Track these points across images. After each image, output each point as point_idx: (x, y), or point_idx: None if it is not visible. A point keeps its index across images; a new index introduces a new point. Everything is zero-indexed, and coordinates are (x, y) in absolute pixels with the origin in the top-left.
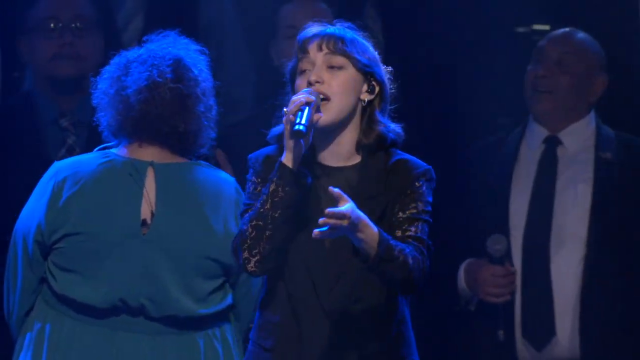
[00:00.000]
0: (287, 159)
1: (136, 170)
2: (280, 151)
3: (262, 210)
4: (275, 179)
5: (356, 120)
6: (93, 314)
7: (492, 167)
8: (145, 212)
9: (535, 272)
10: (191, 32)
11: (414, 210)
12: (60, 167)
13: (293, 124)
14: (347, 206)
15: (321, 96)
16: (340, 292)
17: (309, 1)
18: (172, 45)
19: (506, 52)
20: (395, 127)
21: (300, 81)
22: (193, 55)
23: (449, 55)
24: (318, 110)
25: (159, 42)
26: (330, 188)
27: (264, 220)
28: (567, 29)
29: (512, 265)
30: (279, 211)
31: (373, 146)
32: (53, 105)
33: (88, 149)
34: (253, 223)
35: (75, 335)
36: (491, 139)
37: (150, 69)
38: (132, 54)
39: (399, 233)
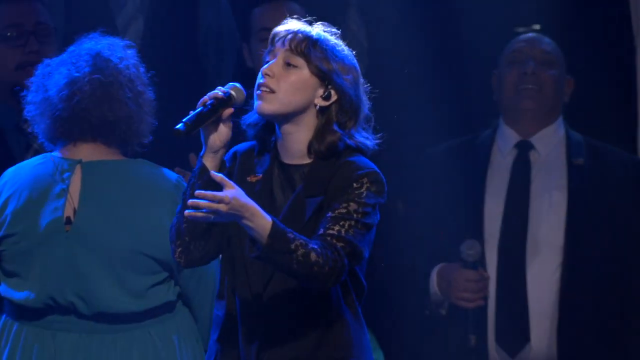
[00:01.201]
0: (203, 153)
1: (62, 169)
2: (253, 147)
3: (183, 202)
4: (194, 170)
5: (309, 123)
6: (31, 315)
7: (463, 170)
8: (69, 210)
9: (511, 278)
10: (191, 34)
11: (344, 210)
12: (5, 173)
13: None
14: (229, 191)
15: (266, 89)
16: (273, 288)
17: (282, 3)
18: (93, 44)
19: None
20: (361, 140)
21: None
22: (113, 47)
23: (432, 61)
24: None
25: (80, 43)
26: (212, 172)
27: (183, 213)
28: (532, 34)
29: (485, 270)
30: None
31: (324, 152)
32: (12, 112)
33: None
34: (178, 216)
35: (20, 338)
36: (457, 140)
37: (68, 67)
38: (54, 60)
39: (320, 231)
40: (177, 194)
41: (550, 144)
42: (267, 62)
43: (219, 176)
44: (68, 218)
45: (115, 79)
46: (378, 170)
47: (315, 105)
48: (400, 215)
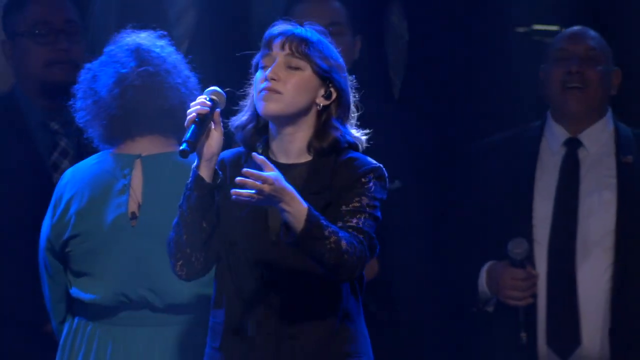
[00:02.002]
0: (197, 164)
1: (122, 165)
2: (243, 152)
3: (180, 215)
4: (188, 183)
5: (309, 122)
6: (103, 313)
7: (511, 166)
8: (133, 205)
9: (561, 278)
10: (243, 28)
11: (357, 204)
12: (65, 175)
13: (181, 140)
14: (272, 173)
15: (273, 92)
16: (284, 283)
17: (323, 0)
18: (129, 40)
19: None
20: (356, 135)
21: (258, 75)
22: (150, 39)
23: (473, 54)
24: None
25: (115, 42)
26: (254, 154)
27: (179, 225)
28: (577, 27)
29: (533, 268)
30: (187, 216)
31: (325, 150)
32: (39, 109)
33: (81, 151)
34: (175, 229)
35: (93, 337)
36: (504, 134)
37: (113, 65)
38: (94, 63)
39: (339, 224)
40: None
41: (599, 141)
42: (263, 66)
43: (260, 158)
44: (133, 213)
45: (162, 67)
46: (381, 166)
47: (318, 105)
48: (447, 210)
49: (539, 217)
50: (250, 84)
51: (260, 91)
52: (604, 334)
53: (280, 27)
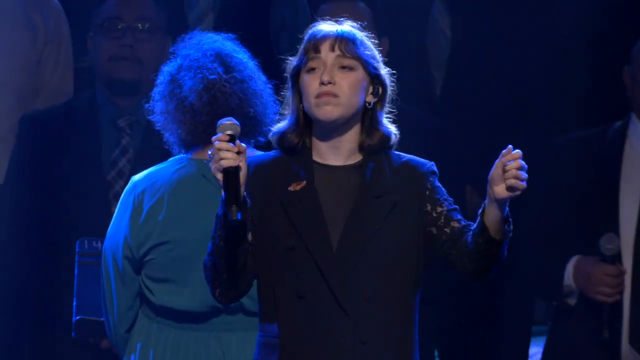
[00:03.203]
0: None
1: (209, 170)
2: (281, 156)
3: (214, 245)
4: (218, 216)
5: (358, 120)
6: (194, 319)
7: (594, 162)
8: None
9: None
10: (262, 33)
11: (446, 203)
12: (137, 181)
13: (230, 210)
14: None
15: (331, 96)
16: (352, 287)
17: (348, 1)
18: (204, 43)
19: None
20: (393, 128)
21: (309, 79)
22: (228, 44)
23: (513, 55)
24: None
25: (190, 46)
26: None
27: (215, 255)
28: None
29: (622, 265)
30: (223, 249)
31: (376, 147)
32: (111, 105)
33: (142, 150)
34: (210, 257)
35: (181, 344)
36: (585, 132)
37: (199, 71)
38: (171, 67)
39: (455, 224)
40: None
41: None
42: (311, 70)
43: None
44: None
45: (245, 74)
46: (433, 162)
47: (369, 103)
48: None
49: (624, 215)
50: (287, 89)
51: (317, 96)
52: None
53: (323, 28)
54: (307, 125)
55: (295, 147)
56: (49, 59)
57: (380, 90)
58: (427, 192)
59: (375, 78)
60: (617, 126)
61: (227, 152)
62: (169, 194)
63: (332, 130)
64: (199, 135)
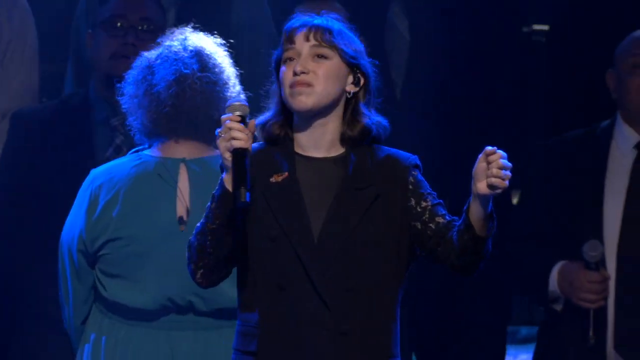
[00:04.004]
0: (227, 177)
1: (167, 169)
2: (265, 147)
3: (204, 226)
4: (216, 196)
5: (339, 111)
6: (144, 316)
7: (579, 164)
8: (181, 210)
9: (630, 281)
10: (223, 29)
11: (430, 197)
12: (96, 175)
13: (238, 192)
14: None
15: (305, 86)
16: (333, 278)
17: (324, 2)
18: (192, 40)
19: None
20: (380, 120)
21: (286, 69)
22: (211, 45)
23: (472, 55)
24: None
25: (176, 39)
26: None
27: (204, 236)
28: None
29: (606, 270)
30: (217, 230)
31: (357, 138)
32: (106, 104)
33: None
34: (197, 237)
35: (131, 340)
36: (573, 133)
37: (175, 63)
38: (152, 54)
39: (440, 220)
40: None
41: None
42: (288, 61)
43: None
44: (181, 218)
45: (219, 77)
46: (416, 155)
47: (348, 93)
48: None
49: (608, 218)
50: (272, 82)
51: (291, 86)
52: None
53: (299, 19)
54: (289, 116)
55: (277, 138)
56: (14, 56)
57: (362, 81)
58: (410, 186)
59: (354, 67)
60: (605, 126)
61: (238, 132)
62: (124, 190)
63: (310, 120)
64: (160, 126)
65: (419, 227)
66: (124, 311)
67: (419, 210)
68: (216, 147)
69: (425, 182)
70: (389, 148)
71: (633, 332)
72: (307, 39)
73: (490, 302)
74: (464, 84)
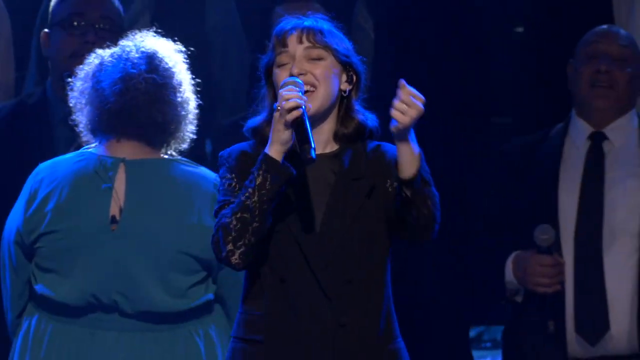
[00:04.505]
0: (274, 151)
1: (105, 167)
2: (257, 146)
3: (247, 202)
4: (261, 171)
5: (334, 109)
6: (70, 313)
7: (536, 164)
8: (114, 209)
9: (588, 267)
10: (197, 32)
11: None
12: (40, 169)
13: (303, 149)
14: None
15: (308, 86)
16: (334, 270)
17: (303, 1)
18: (148, 43)
19: (501, 51)
20: (373, 116)
21: (280, 72)
22: (166, 50)
23: (442, 54)
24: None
25: (133, 39)
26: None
27: (250, 212)
28: (607, 26)
29: (560, 256)
30: (265, 204)
31: (352, 135)
32: (63, 104)
33: None
34: (238, 215)
35: (56, 336)
36: (532, 136)
37: (123, 62)
38: (105, 52)
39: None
40: (216, 193)
41: (624, 134)
42: (281, 65)
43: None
44: (113, 217)
45: (169, 81)
46: None
47: (344, 91)
48: (473, 207)
49: (564, 208)
50: (261, 86)
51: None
52: (632, 319)
53: (289, 22)
54: None
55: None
56: None
57: (355, 78)
58: (393, 172)
59: (347, 65)
60: (559, 128)
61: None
62: (63, 185)
63: (311, 121)
64: (102, 123)
65: (391, 203)
66: (52, 306)
67: (390, 190)
68: (161, 150)
69: None
70: (381, 142)
71: (591, 314)
72: (300, 41)
73: (449, 300)
74: (431, 81)
